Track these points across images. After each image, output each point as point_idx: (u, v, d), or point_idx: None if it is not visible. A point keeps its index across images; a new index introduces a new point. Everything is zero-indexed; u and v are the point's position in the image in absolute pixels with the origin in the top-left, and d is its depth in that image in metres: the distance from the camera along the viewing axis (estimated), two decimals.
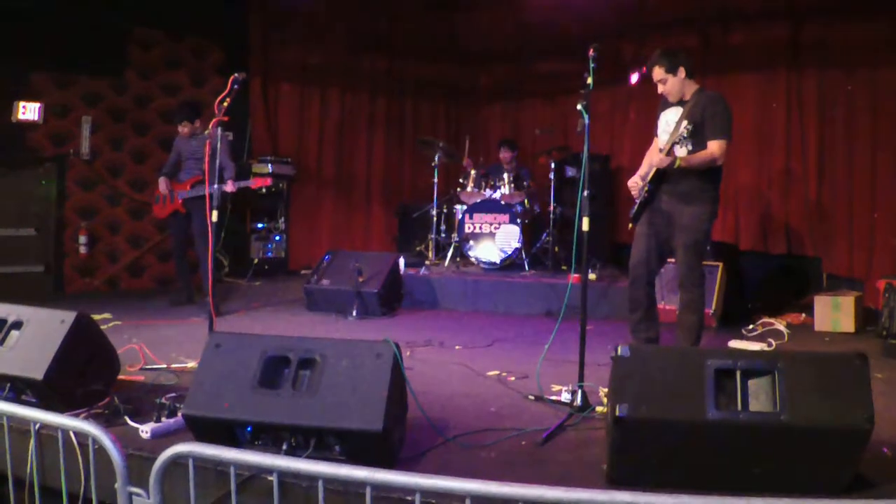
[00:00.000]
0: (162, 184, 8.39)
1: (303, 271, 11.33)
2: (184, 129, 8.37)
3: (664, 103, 5.69)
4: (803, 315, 8.10)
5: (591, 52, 4.69)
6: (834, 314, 7.58)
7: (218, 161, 5.93)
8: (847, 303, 7.55)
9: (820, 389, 3.23)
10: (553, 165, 10.02)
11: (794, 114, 9.34)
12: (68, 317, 4.27)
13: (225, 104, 5.41)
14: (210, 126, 5.62)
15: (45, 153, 9.49)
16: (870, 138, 8.61)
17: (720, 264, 7.96)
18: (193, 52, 10.85)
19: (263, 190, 9.72)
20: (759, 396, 3.28)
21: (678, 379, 3.30)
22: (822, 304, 7.68)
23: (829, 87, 9.03)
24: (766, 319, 7.73)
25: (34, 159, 9.45)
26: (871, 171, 8.59)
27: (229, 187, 7.85)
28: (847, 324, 7.51)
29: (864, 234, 8.66)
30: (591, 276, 8.72)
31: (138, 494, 2.92)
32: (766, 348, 6.55)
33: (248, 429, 3.48)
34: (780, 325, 7.51)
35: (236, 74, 5.46)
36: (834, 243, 9.01)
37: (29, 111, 9.14)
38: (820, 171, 9.11)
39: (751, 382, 3.31)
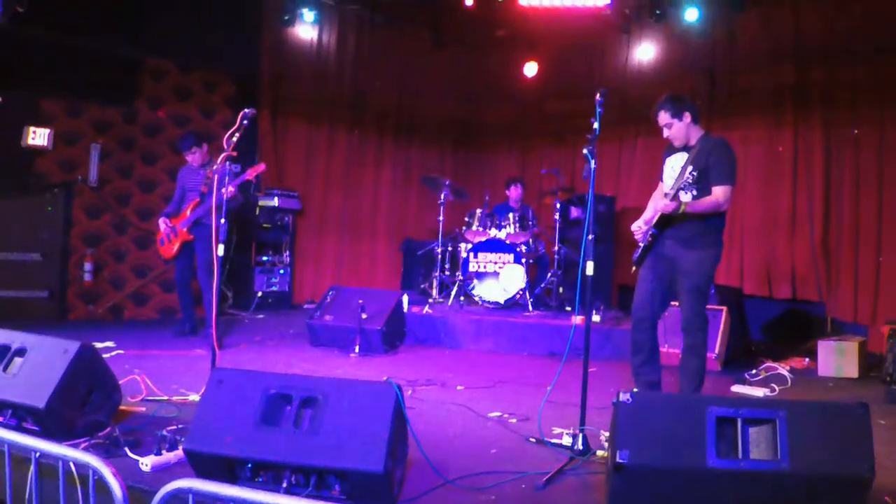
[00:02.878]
0: (162, 224, 8.33)
1: (306, 305, 11.36)
2: (193, 156, 8.36)
3: (669, 148, 5.72)
4: (807, 360, 8.08)
5: (597, 98, 4.72)
6: (838, 359, 7.55)
7: (225, 193, 5.95)
8: (851, 348, 7.53)
9: (821, 438, 3.23)
10: (559, 206, 10.03)
11: (800, 157, 9.40)
12: (72, 346, 4.28)
13: (234, 139, 5.45)
14: (219, 161, 5.65)
15: (53, 179, 9.54)
16: (875, 181, 8.67)
17: (724, 308, 7.95)
18: (204, 83, 10.92)
19: (263, 210, 9.64)
20: (760, 444, 3.28)
21: (679, 426, 3.30)
22: (825, 349, 7.65)
23: (836, 131, 9.10)
24: (769, 364, 7.72)
25: (42, 185, 9.49)
26: (877, 214, 8.63)
27: (229, 192, 7.50)
28: (851, 369, 7.49)
29: (869, 279, 8.67)
30: (595, 318, 8.71)
31: None
32: (769, 394, 6.54)
33: (249, 465, 3.48)
34: (783, 369, 7.48)
35: (246, 110, 5.50)
36: (838, 288, 9.02)
37: (38, 137, 9.20)
38: (826, 214, 9.15)
39: (752, 430, 3.31)
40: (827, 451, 3.20)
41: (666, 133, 5.59)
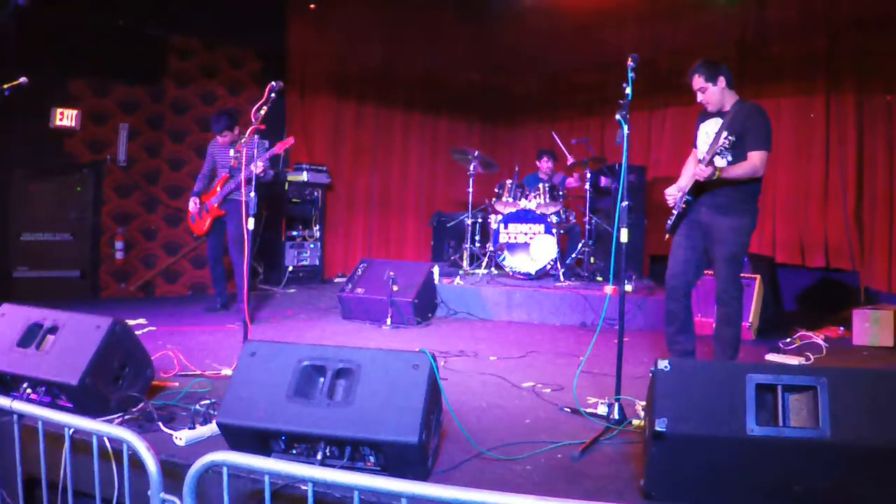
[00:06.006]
0: (191, 204, 8.34)
1: (337, 279, 11.37)
2: (224, 138, 8.33)
3: (703, 114, 5.64)
4: (841, 329, 7.97)
5: (629, 62, 4.63)
6: (873, 328, 7.44)
7: (255, 168, 5.93)
8: (886, 317, 7.41)
9: (863, 406, 3.15)
10: (589, 176, 9.95)
11: (832, 125, 9.27)
12: (104, 322, 4.28)
13: (262, 112, 5.43)
14: (247, 134, 5.63)
15: (82, 159, 9.58)
16: None
17: (757, 277, 7.86)
18: (230, 60, 10.92)
19: (293, 184, 9.60)
20: (801, 413, 3.21)
21: (718, 394, 3.23)
22: (860, 317, 7.54)
23: (868, 98, 8.95)
24: (803, 333, 7.61)
25: (71, 165, 9.54)
26: None
27: (259, 168, 7.40)
28: (886, 338, 7.37)
29: None
30: (627, 287, 8.64)
31: (172, 502, 2.90)
32: (803, 362, 6.46)
33: (283, 438, 3.46)
34: (817, 338, 7.40)
35: (273, 83, 5.46)
36: (872, 257, 8.92)
37: (66, 118, 9.23)
38: (859, 182, 9.03)
39: (792, 398, 3.24)
40: (869, 420, 3.12)
41: (700, 98, 5.51)
